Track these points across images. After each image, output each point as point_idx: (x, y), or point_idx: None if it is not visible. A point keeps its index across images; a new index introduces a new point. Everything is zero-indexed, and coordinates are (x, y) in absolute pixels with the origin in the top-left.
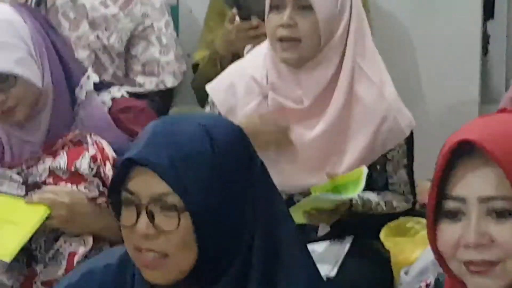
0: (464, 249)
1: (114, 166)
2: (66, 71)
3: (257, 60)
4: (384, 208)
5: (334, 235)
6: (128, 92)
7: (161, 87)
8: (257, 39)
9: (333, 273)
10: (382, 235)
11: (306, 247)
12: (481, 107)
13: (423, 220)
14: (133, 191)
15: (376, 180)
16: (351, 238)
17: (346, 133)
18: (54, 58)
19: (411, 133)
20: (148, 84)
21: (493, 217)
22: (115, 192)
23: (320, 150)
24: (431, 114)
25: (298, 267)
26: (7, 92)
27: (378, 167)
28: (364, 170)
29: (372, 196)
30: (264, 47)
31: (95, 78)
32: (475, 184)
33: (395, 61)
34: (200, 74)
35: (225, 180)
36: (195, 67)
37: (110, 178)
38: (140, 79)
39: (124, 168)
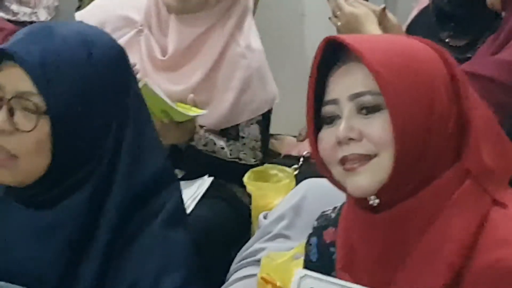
0: (338, 147)
1: None
2: None
3: None
4: (229, 155)
5: (194, 175)
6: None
7: (34, 19)
8: None
9: (188, 210)
10: (246, 178)
11: (176, 179)
12: None
13: (287, 169)
14: None
15: (230, 131)
16: (210, 179)
17: (210, 93)
18: None
19: None
20: (22, 14)
21: (363, 113)
22: None
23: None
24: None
25: (168, 189)
26: None
27: None
28: (204, 112)
29: (218, 141)
30: None
31: None
32: (345, 85)
33: None
34: None
35: (94, 92)
36: None
37: None
38: (14, 7)
39: None
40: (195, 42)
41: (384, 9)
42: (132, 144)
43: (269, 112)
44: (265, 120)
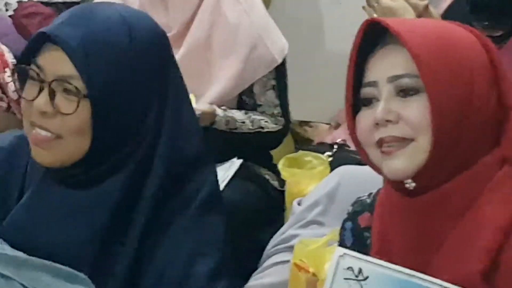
0: (375, 129)
1: (14, 72)
2: None
3: None
4: (251, 126)
5: (222, 158)
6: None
7: None
8: None
9: None
10: (280, 165)
11: (213, 161)
12: None
13: (322, 156)
14: (40, 66)
15: (245, 101)
16: (239, 162)
17: (211, 57)
18: None
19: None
20: None
21: (401, 96)
22: (24, 65)
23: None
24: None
25: (205, 172)
26: None
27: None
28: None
29: (237, 115)
30: None
31: None
32: (384, 67)
33: None
34: None
35: (135, 75)
36: None
37: (8, 85)
38: None
39: (36, 42)
40: (195, 11)
41: (427, 5)
42: (171, 127)
43: (283, 75)
44: (279, 83)
